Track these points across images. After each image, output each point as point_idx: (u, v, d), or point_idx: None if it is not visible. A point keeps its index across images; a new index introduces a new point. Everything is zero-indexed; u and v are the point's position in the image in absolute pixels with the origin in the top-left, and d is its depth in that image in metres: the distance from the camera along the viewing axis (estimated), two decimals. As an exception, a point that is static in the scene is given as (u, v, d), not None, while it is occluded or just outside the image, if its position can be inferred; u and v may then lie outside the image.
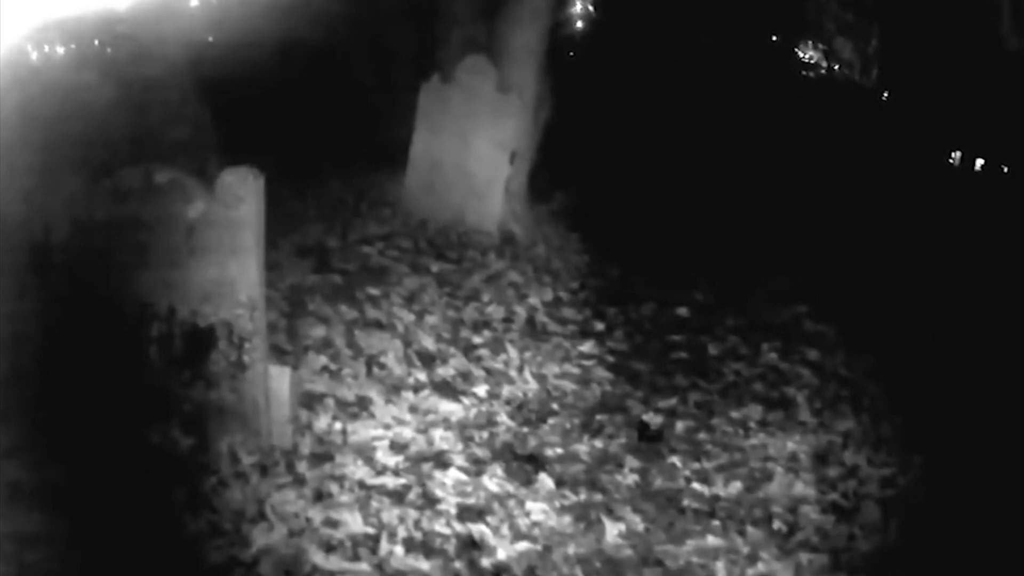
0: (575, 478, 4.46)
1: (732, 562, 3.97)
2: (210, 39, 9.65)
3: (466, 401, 4.99)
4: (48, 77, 7.27)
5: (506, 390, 5.16)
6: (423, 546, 3.82)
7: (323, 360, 5.03)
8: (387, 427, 4.62)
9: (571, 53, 12.96)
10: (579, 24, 14.26)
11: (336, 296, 5.74)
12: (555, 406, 5.12)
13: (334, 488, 4.06)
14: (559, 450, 4.69)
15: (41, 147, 5.24)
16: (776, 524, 4.22)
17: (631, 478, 4.52)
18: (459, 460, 4.45)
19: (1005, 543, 4.12)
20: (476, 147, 7.17)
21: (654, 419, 5.01)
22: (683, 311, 6.53)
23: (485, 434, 4.71)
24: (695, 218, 8.27)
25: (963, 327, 6.17)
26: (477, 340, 5.61)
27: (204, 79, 7.60)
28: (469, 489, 4.24)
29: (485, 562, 3.79)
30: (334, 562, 3.66)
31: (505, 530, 4.00)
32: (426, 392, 4.98)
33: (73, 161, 5.04)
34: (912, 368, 5.73)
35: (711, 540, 4.10)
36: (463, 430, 4.71)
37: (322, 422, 4.51)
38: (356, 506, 3.98)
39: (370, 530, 3.86)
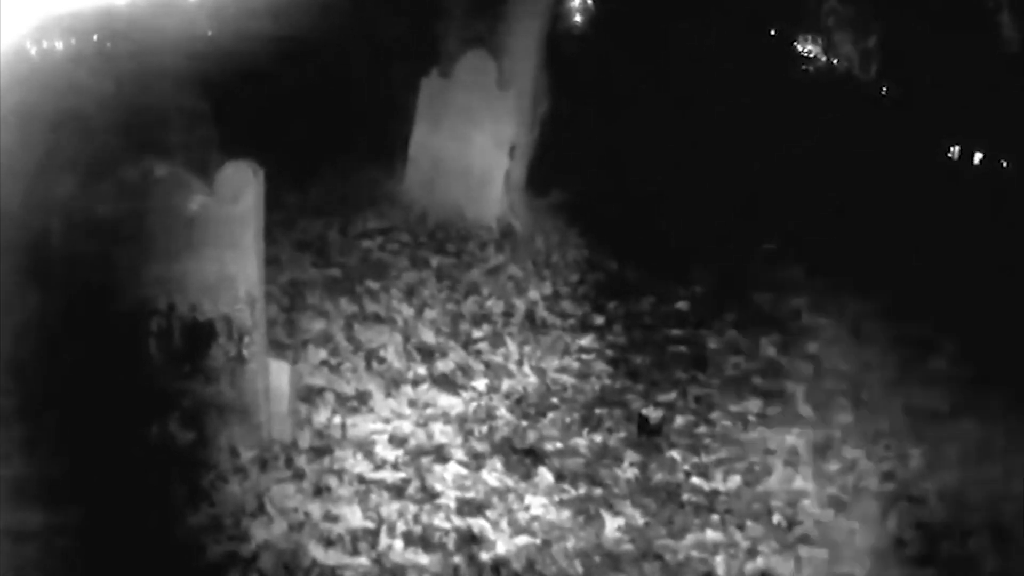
0: (574, 472, 4.46)
1: (731, 556, 3.97)
2: (209, 34, 9.64)
3: (465, 395, 4.99)
4: (47, 73, 7.27)
5: (505, 384, 5.17)
6: (422, 540, 3.83)
7: (322, 354, 5.03)
8: (386, 421, 4.62)
9: (570, 47, 12.95)
10: (577, 18, 14.25)
11: (335, 290, 5.75)
12: (554, 400, 5.12)
13: (333, 482, 4.06)
14: (558, 444, 4.70)
15: (40, 143, 5.24)
16: (775, 518, 4.23)
17: (630, 472, 4.52)
18: (458, 454, 4.46)
19: (1005, 538, 4.13)
20: (476, 142, 7.16)
21: (653, 413, 5.00)
22: (682, 305, 6.52)
23: (484, 428, 4.72)
24: (694, 212, 8.26)
25: (963, 321, 6.17)
26: (476, 334, 5.61)
27: (203, 74, 7.60)
28: (468, 483, 4.25)
29: (484, 556, 3.80)
30: (333, 556, 3.66)
31: (504, 524, 4.00)
32: (425, 386, 4.98)
33: (72, 157, 5.04)
34: (911, 362, 5.74)
35: (710, 534, 4.10)
36: (462, 424, 4.72)
37: (321, 416, 4.51)
38: (355, 500, 3.99)
39: (369, 524, 3.86)
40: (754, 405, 5.22)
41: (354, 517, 3.88)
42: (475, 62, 7.10)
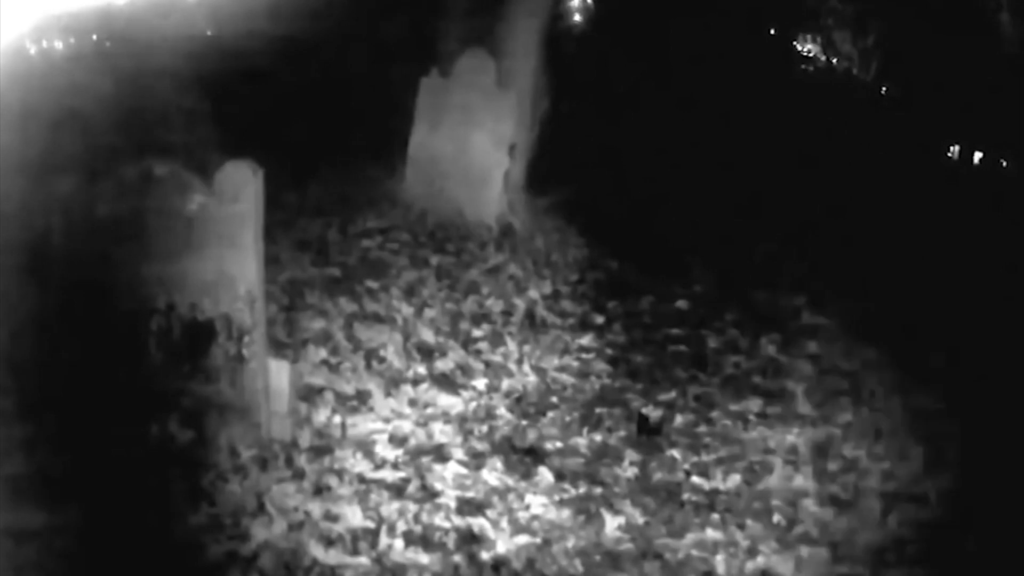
0: (574, 471, 4.46)
1: (731, 555, 3.97)
2: (209, 34, 9.65)
3: (465, 394, 4.99)
4: (47, 73, 7.27)
5: (505, 383, 5.17)
6: (423, 540, 3.83)
7: (322, 353, 5.03)
8: (386, 420, 4.62)
9: (570, 47, 12.94)
10: (577, 18, 14.23)
11: (335, 289, 5.75)
12: (554, 399, 5.12)
13: (333, 482, 4.06)
14: (558, 443, 4.69)
15: (40, 142, 5.24)
16: (776, 517, 4.22)
17: (630, 471, 4.52)
18: (458, 453, 4.46)
19: (1005, 536, 4.13)
20: (475, 141, 7.17)
21: (653, 412, 5.00)
22: (682, 304, 6.52)
23: (484, 427, 4.72)
24: (694, 212, 8.26)
25: (963, 319, 6.17)
26: (476, 333, 5.61)
27: (203, 74, 7.60)
28: (468, 482, 4.25)
29: (484, 555, 3.80)
30: (334, 556, 3.66)
31: (504, 523, 4.00)
32: (425, 385, 4.98)
33: (72, 157, 5.04)
34: (912, 360, 5.73)
35: (710, 533, 4.10)
36: (462, 423, 4.72)
37: (321, 415, 4.51)
38: (355, 500, 3.99)
39: (370, 524, 3.86)
40: (754, 404, 5.22)
41: (354, 516, 3.88)
42: (475, 62, 7.10)
